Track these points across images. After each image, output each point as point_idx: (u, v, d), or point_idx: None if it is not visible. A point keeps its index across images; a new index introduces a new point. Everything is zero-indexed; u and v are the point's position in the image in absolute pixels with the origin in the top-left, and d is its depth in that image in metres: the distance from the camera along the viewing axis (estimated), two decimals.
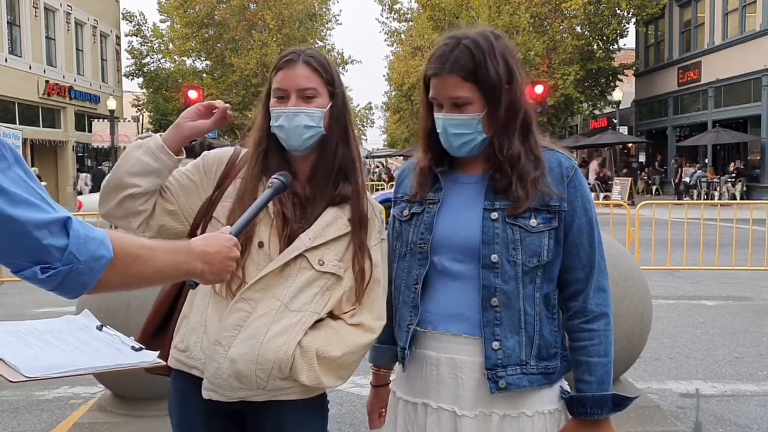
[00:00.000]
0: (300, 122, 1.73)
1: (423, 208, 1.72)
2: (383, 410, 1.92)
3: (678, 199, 22.00)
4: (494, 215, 1.63)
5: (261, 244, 1.73)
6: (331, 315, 1.79)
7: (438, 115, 1.66)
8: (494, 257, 1.61)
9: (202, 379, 1.72)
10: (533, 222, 1.62)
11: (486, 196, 1.65)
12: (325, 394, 1.86)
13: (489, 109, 1.62)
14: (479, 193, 1.67)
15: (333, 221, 1.76)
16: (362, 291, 1.78)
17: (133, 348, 1.34)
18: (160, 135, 1.75)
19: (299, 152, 1.79)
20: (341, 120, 1.80)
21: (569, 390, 1.71)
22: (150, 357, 1.33)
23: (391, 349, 1.84)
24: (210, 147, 1.96)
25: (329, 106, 1.77)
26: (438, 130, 1.67)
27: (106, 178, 1.74)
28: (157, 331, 1.86)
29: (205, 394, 1.72)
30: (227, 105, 1.79)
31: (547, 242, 1.63)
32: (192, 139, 1.77)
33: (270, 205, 1.71)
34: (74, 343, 1.29)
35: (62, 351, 1.24)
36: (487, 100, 1.62)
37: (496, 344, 1.62)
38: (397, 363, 1.81)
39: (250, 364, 1.67)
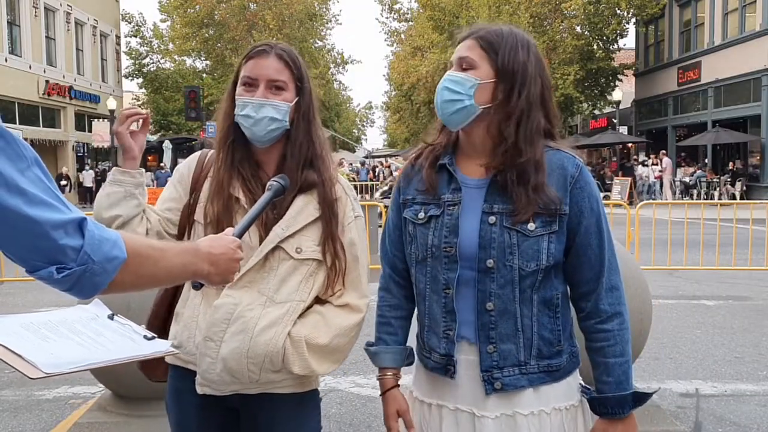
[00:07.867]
0: (266, 114, 1.75)
1: (442, 210, 1.65)
2: (402, 412, 1.75)
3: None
4: (492, 219, 1.59)
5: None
6: (318, 299, 1.81)
7: None
8: (489, 262, 1.59)
9: (196, 374, 1.76)
10: (531, 226, 1.57)
11: (486, 199, 1.62)
12: (317, 389, 1.89)
13: (496, 84, 1.58)
14: (479, 197, 1.63)
15: (303, 208, 1.79)
16: (337, 278, 1.80)
17: (145, 337, 1.33)
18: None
19: (261, 144, 1.81)
20: (307, 115, 1.82)
21: (590, 387, 1.70)
22: (164, 346, 1.33)
23: (402, 350, 1.79)
24: (212, 146, 1.97)
25: (296, 101, 1.80)
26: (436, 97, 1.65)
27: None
28: (159, 332, 1.87)
29: (199, 390, 1.76)
30: (145, 112, 1.83)
31: (546, 246, 1.58)
32: (140, 150, 1.79)
33: (242, 197, 1.75)
34: (88, 334, 1.28)
35: (77, 344, 1.24)
36: (498, 76, 1.58)
37: (490, 347, 1.61)
38: (416, 363, 1.79)
39: (242, 359, 1.70)
